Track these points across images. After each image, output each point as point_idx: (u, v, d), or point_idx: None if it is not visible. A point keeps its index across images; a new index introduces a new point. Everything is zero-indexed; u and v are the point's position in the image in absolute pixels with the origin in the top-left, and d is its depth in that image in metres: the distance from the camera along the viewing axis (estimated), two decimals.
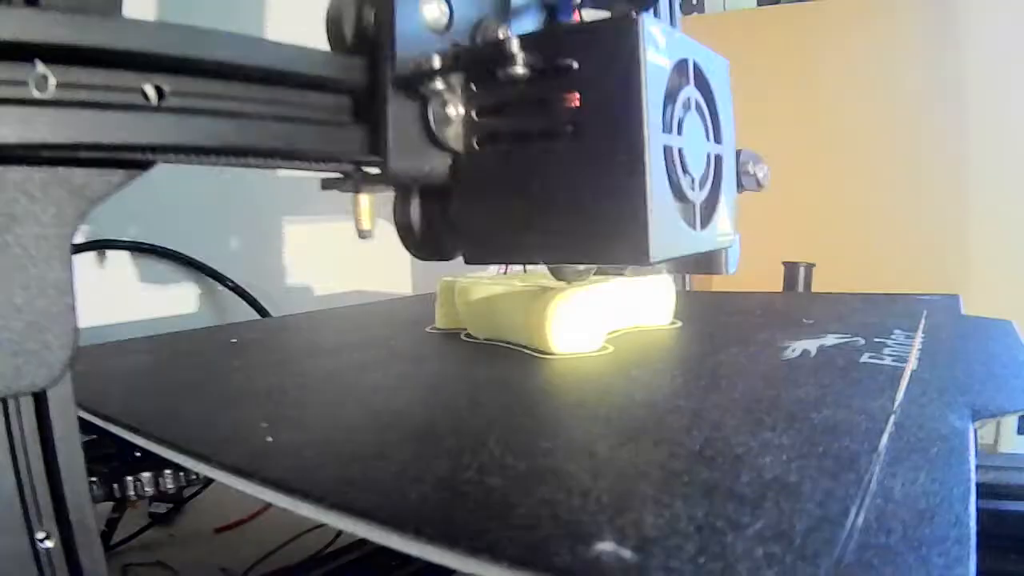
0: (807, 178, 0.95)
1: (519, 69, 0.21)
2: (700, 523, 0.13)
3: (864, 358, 0.27)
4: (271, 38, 0.20)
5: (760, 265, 0.54)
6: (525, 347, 0.32)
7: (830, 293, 0.54)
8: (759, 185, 0.33)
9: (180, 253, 0.56)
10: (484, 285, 0.35)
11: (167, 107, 0.17)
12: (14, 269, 0.15)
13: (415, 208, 0.26)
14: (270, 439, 0.20)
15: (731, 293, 0.55)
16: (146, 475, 0.24)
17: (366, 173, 0.24)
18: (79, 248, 0.48)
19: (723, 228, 0.26)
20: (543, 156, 0.22)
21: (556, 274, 0.32)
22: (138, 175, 0.18)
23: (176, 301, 0.57)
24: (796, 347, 0.30)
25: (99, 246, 0.50)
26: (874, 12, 0.95)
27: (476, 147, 0.23)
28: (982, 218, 0.91)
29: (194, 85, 0.18)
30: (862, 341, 0.31)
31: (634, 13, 0.20)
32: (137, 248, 0.53)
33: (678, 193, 0.22)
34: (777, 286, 0.76)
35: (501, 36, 0.23)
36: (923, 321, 0.36)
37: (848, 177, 0.98)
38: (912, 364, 0.26)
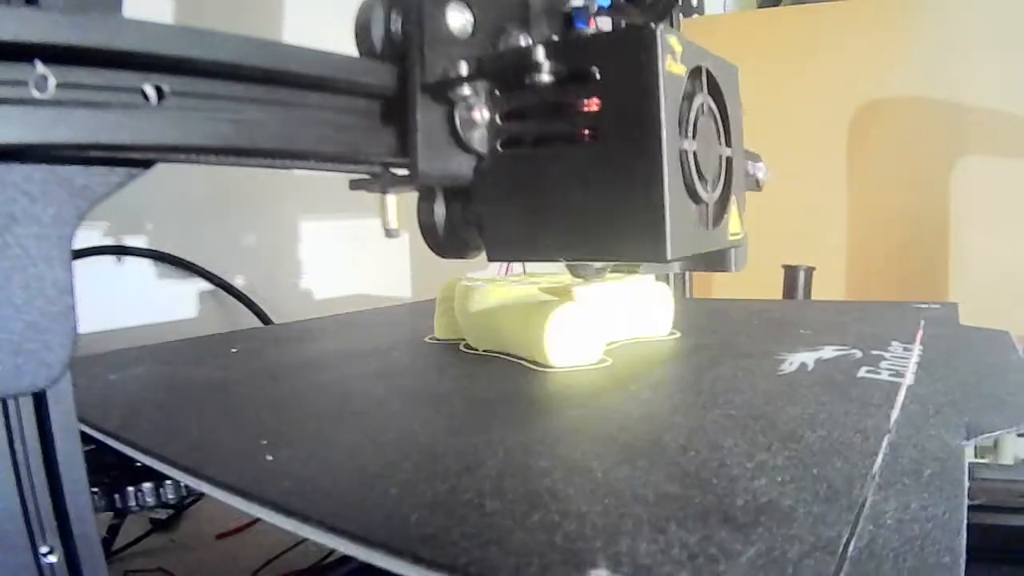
0: (807, 180, 0.95)
1: (544, 76, 0.23)
2: (694, 550, 0.13)
3: (861, 372, 0.27)
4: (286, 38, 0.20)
5: (759, 268, 0.54)
6: (524, 359, 0.32)
7: (828, 301, 0.54)
8: (758, 185, 0.33)
9: (180, 258, 0.55)
10: (482, 297, 0.35)
11: (167, 107, 0.17)
12: (14, 269, 0.15)
13: (439, 208, 0.28)
14: (270, 457, 0.20)
15: (730, 301, 0.54)
16: (147, 485, 0.24)
17: (394, 174, 0.25)
18: (79, 254, 0.48)
19: (733, 227, 0.28)
20: (564, 159, 0.23)
21: (574, 272, 0.33)
22: (138, 175, 0.18)
23: (178, 306, 0.57)
24: (793, 360, 0.30)
25: (99, 252, 0.50)
26: (874, 15, 0.95)
27: (500, 149, 0.24)
28: (982, 219, 0.91)
29: (194, 85, 0.18)
30: (859, 354, 0.31)
31: (652, 24, 0.21)
32: (137, 254, 0.53)
33: (692, 194, 0.24)
34: (777, 288, 0.76)
35: (523, 44, 0.25)
36: (920, 332, 0.36)
37: (848, 179, 0.97)
38: (909, 379, 0.26)
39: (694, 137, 0.24)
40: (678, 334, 0.38)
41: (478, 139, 0.24)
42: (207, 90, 0.18)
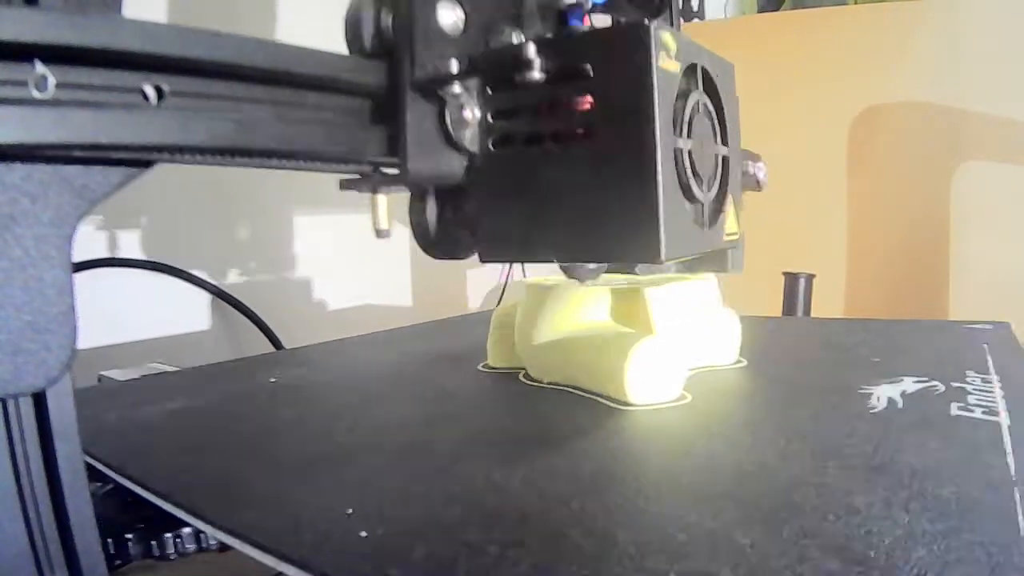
0: (807, 185, 0.95)
1: (536, 74, 0.22)
2: None
3: (954, 410, 0.26)
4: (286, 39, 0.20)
5: (759, 273, 0.53)
6: (597, 395, 0.30)
7: (875, 320, 0.52)
8: (759, 185, 0.33)
9: (187, 272, 0.55)
10: (549, 326, 0.33)
11: (167, 107, 0.17)
12: (14, 269, 0.15)
13: (430, 208, 0.27)
14: (364, 534, 0.18)
15: (771, 320, 0.52)
16: (187, 531, 0.23)
17: (384, 174, 0.25)
18: (83, 266, 0.48)
19: (730, 228, 0.27)
20: (557, 157, 0.23)
21: (568, 273, 0.32)
22: (138, 175, 0.18)
23: (181, 318, 0.57)
24: (879, 395, 0.29)
25: (100, 264, 0.50)
26: (875, 21, 0.94)
27: (491, 148, 0.24)
28: (982, 224, 0.91)
29: (194, 85, 0.18)
30: (942, 387, 0.30)
31: (646, 20, 0.21)
32: (139, 266, 0.52)
33: (687, 193, 0.23)
34: (776, 294, 0.76)
35: (515, 41, 0.24)
36: (989, 359, 0.35)
37: (848, 184, 0.97)
38: (1004, 418, 0.25)
39: (689, 136, 0.23)
40: (744, 362, 0.36)
41: (469, 138, 0.24)
42: (207, 90, 0.18)
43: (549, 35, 0.25)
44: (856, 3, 1.12)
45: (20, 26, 0.14)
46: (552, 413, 0.29)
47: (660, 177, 0.21)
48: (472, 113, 0.24)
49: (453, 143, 0.24)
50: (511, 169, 0.24)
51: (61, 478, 0.16)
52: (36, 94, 0.15)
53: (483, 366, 0.38)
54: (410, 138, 0.23)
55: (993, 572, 0.15)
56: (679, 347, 0.31)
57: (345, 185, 0.27)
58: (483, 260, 0.26)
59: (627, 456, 0.24)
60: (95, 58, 0.16)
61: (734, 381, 0.33)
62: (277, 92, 0.20)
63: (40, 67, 0.15)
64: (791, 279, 0.75)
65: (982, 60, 0.89)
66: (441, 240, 0.27)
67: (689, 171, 0.23)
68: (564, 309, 0.33)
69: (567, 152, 0.22)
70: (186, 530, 0.22)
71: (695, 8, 1.17)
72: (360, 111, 0.23)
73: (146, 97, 0.17)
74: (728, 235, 0.27)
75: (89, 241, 0.50)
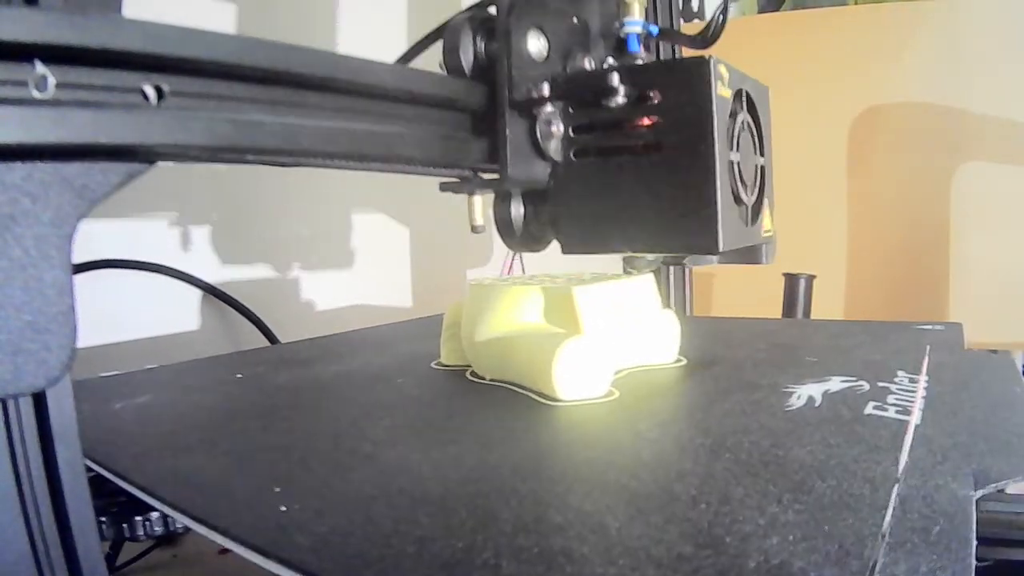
0: (807, 186, 0.95)
1: (620, 99, 0.27)
2: None
3: (868, 409, 0.27)
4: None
5: (759, 274, 0.53)
6: (531, 391, 0.32)
7: (833, 321, 0.53)
8: None
9: (185, 273, 0.55)
10: (489, 326, 0.34)
11: (167, 107, 0.17)
12: (14, 269, 0.15)
13: (516, 208, 0.32)
14: (283, 508, 0.20)
15: (735, 320, 0.53)
16: (155, 515, 0.24)
17: (481, 178, 0.30)
18: (82, 267, 0.48)
19: (767, 225, 0.32)
20: (629, 166, 0.28)
21: (630, 264, 0.39)
22: (138, 175, 0.18)
23: (179, 317, 0.57)
24: (801, 393, 0.30)
25: (99, 266, 0.50)
26: (875, 21, 0.94)
27: (573, 158, 0.29)
28: (983, 225, 0.91)
29: (193, 85, 0.18)
30: (866, 386, 0.30)
31: (707, 55, 0.26)
32: (137, 267, 0.52)
33: (736, 197, 0.28)
34: (777, 295, 0.76)
35: (587, 65, 0.30)
36: (926, 359, 0.35)
37: (848, 185, 0.97)
38: (915, 417, 0.26)
39: (737, 149, 0.28)
40: (684, 361, 0.37)
41: (554, 149, 0.28)
42: (207, 90, 0.18)
43: (612, 60, 0.30)
44: (856, 3, 1.12)
45: (20, 26, 0.14)
46: (481, 408, 0.30)
47: (718, 184, 0.25)
48: (558, 128, 0.28)
49: (541, 153, 0.28)
50: (590, 176, 0.28)
51: (61, 479, 0.16)
52: (36, 94, 0.15)
53: (436, 363, 0.39)
54: (508, 149, 0.27)
55: (836, 563, 0.15)
56: (607, 346, 0.32)
57: (445, 187, 0.31)
58: (565, 252, 0.30)
59: (538, 446, 0.25)
60: (95, 58, 0.16)
61: (666, 379, 0.34)
62: (399, 108, 0.24)
63: (40, 67, 0.15)
64: (791, 280, 0.75)
65: (982, 60, 0.89)
66: (524, 235, 0.32)
67: (738, 179, 0.28)
68: (502, 309, 0.34)
69: (639, 162, 0.27)
70: (154, 514, 0.24)
71: (695, 8, 1.17)
72: (463, 125, 0.27)
73: (146, 97, 0.17)
74: (765, 232, 0.32)
75: (88, 241, 0.50)
